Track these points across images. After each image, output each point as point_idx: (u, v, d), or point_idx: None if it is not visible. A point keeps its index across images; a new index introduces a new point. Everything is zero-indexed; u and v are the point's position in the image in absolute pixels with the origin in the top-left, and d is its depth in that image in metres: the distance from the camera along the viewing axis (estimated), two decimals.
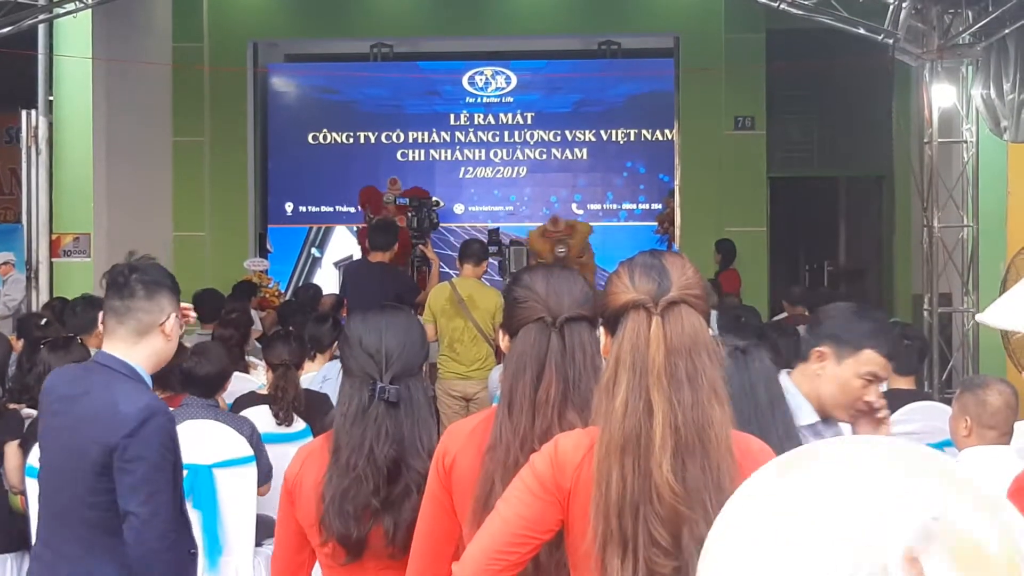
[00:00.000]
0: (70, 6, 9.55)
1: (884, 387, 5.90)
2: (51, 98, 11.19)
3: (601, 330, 2.23)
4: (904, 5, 8.82)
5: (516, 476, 2.19)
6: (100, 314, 3.25)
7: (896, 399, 5.71)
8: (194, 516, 5.22)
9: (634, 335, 2.09)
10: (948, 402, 7.34)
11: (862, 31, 9.15)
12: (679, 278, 2.13)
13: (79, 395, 3.14)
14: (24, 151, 11.13)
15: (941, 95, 9.09)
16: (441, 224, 12.21)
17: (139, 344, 3.18)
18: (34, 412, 5.58)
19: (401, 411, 2.87)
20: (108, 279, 3.23)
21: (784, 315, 9.94)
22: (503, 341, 2.54)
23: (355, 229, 13.72)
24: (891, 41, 8.98)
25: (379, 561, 2.87)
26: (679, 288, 2.11)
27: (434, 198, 11.79)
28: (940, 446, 5.61)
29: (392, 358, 2.88)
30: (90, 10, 10.03)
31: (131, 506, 2.98)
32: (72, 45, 10.96)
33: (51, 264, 11.02)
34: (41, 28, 10.66)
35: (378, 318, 2.97)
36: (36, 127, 11.00)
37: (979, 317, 2.93)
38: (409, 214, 11.16)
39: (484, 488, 2.34)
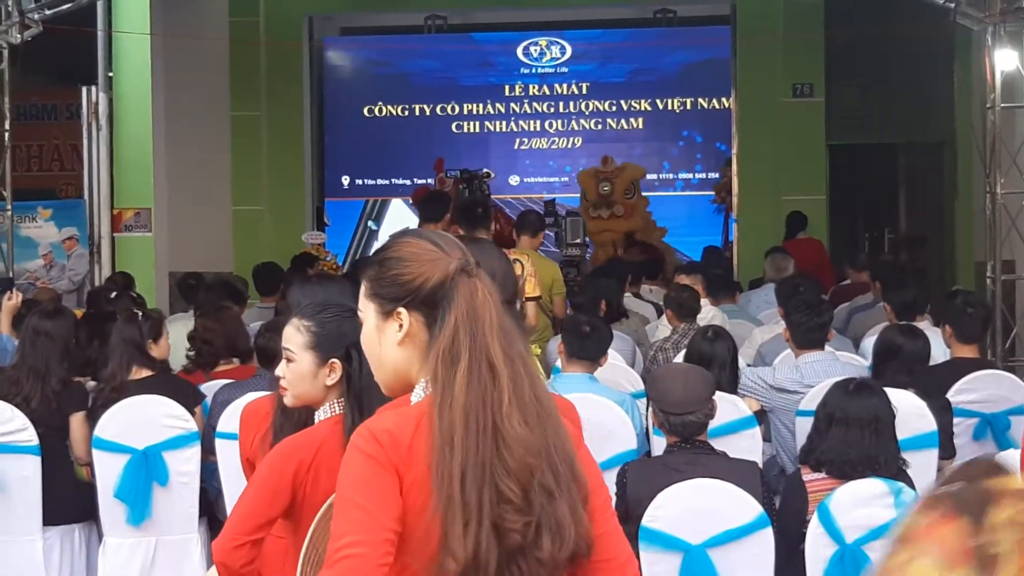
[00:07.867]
0: None
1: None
2: (111, 74, 11.30)
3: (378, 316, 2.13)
4: None
5: (349, 474, 2.00)
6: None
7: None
8: None
9: (470, 299, 2.04)
10: (1012, 370, 7.27)
11: None
12: (455, 240, 2.14)
13: None
14: (85, 127, 11.27)
15: (1004, 59, 8.91)
16: (496, 196, 12.18)
17: None
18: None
19: None
20: None
21: (847, 282, 9.85)
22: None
23: (410, 202, 13.74)
24: (952, 4, 8.83)
25: None
26: (465, 251, 2.11)
27: (485, 170, 11.73)
28: (1004, 415, 5.55)
29: None
30: None
31: None
32: (130, 21, 11.05)
33: (113, 239, 11.15)
34: (100, 5, 10.76)
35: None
36: (96, 103, 11.13)
37: None
38: (461, 187, 11.14)
39: None
